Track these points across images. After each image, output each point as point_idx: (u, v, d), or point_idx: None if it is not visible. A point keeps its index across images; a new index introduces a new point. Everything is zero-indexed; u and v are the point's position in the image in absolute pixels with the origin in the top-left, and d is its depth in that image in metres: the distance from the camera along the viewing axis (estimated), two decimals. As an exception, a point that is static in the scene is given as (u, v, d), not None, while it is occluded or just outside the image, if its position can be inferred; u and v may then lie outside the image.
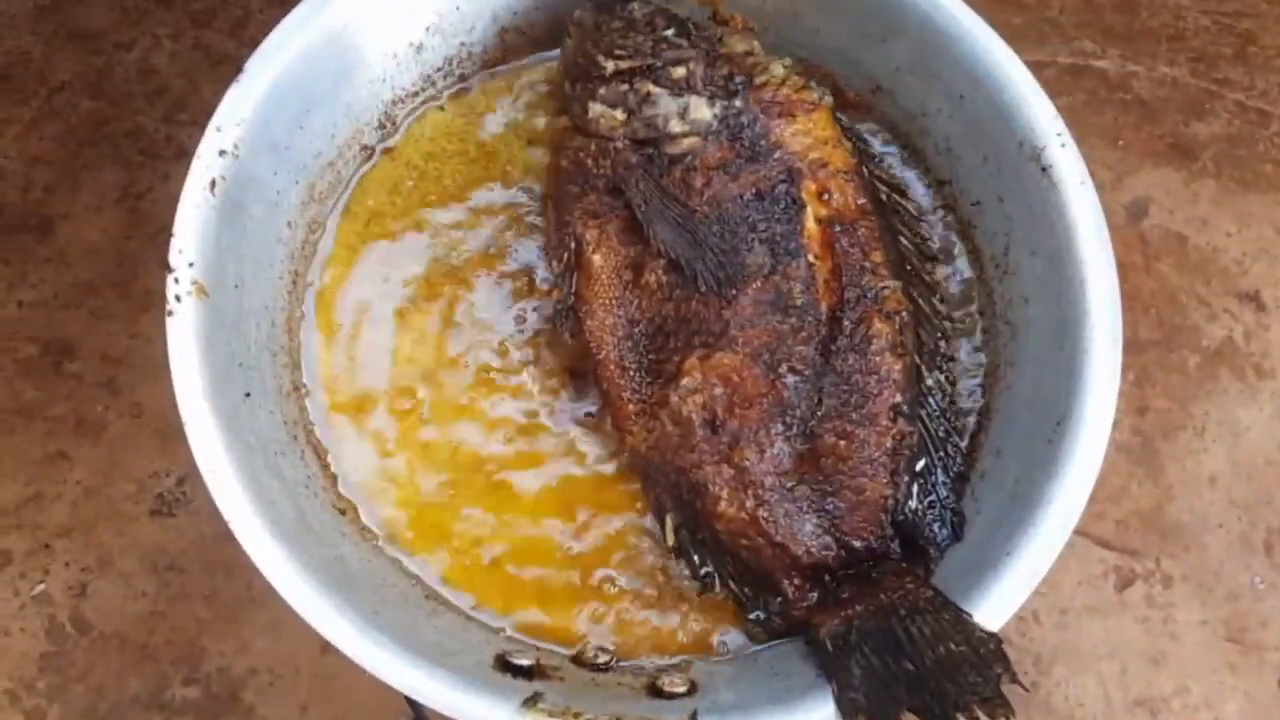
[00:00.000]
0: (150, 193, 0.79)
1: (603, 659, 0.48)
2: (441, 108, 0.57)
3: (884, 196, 0.54)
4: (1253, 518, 0.75)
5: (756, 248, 0.50)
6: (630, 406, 0.51)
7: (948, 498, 0.50)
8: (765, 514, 0.49)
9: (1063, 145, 0.50)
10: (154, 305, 0.71)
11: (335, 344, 0.53)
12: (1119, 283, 0.81)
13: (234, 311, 0.49)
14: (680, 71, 0.52)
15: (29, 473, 0.73)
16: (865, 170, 0.54)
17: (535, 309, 0.55)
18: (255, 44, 0.50)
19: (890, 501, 0.50)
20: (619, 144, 0.52)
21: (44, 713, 0.68)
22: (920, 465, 0.50)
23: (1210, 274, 0.82)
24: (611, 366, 0.51)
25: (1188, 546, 0.74)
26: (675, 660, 0.49)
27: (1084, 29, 0.88)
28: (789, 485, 0.49)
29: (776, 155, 0.52)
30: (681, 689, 0.46)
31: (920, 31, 0.53)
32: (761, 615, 0.49)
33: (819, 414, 0.49)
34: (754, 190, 0.51)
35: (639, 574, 0.51)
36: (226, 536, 0.45)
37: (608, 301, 0.52)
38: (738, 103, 0.52)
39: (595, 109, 0.52)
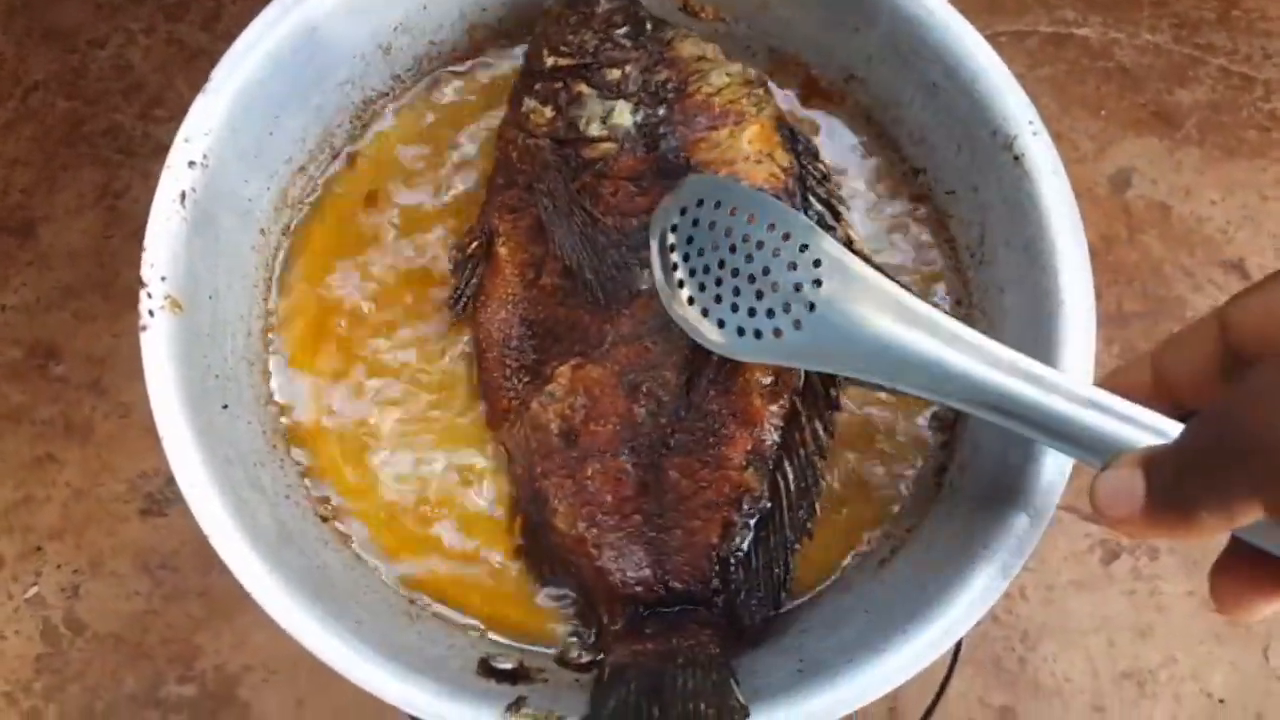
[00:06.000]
0: (129, 191, 0.79)
1: (585, 658, 0.48)
2: (412, 106, 0.57)
3: (815, 220, 0.50)
4: (1238, 488, 0.75)
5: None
6: (503, 403, 0.50)
7: (775, 560, 0.48)
8: (594, 535, 0.47)
9: (1035, 134, 0.49)
10: (136, 304, 0.71)
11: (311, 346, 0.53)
12: (1103, 255, 0.81)
13: (209, 323, 0.48)
14: (615, 74, 0.51)
15: (18, 476, 0.73)
16: (797, 190, 0.51)
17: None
18: (229, 37, 0.50)
19: (718, 552, 0.48)
20: (541, 141, 0.51)
21: (41, 713, 0.69)
22: (759, 521, 0.48)
23: (1194, 244, 0.82)
24: (493, 361, 0.50)
25: (1173, 518, 0.74)
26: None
27: (1065, -3, 0.87)
28: (626, 512, 0.48)
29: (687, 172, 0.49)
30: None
31: (891, 20, 0.52)
32: (582, 633, 0.49)
33: (670, 444, 0.48)
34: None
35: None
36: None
37: (503, 296, 0.51)
38: (661, 111, 0.50)
39: (528, 103, 0.51)
